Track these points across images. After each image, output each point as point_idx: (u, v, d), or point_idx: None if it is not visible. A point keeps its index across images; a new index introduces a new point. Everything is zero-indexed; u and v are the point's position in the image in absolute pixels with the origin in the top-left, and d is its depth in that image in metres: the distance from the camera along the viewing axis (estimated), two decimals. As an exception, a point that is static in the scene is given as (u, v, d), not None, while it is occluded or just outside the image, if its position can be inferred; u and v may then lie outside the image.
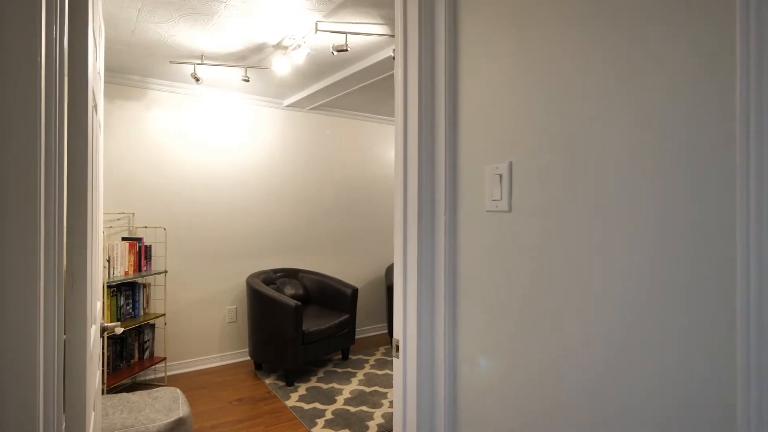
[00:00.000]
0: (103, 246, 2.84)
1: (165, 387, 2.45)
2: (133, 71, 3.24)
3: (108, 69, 3.19)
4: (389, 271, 4.42)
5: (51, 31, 0.65)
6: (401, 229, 1.36)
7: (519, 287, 1.08)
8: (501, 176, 1.12)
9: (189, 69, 3.07)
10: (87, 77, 0.98)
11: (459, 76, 1.25)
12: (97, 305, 1.48)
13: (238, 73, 3.14)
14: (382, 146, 4.76)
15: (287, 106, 4.08)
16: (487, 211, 1.16)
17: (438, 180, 1.29)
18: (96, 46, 1.26)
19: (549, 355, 1.00)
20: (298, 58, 2.59)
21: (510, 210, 1.11)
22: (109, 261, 2.93)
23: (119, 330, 1.66)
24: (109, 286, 2.94)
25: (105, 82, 3.25)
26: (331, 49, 2.48)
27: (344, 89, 3.51)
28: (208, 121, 3.70)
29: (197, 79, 2.92)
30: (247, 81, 2.92)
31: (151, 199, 3.43)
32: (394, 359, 1.40)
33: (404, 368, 1.34)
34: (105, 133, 3.26)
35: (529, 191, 1.06)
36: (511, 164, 1.11)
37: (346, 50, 2.34)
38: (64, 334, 0.89)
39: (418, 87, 1.29)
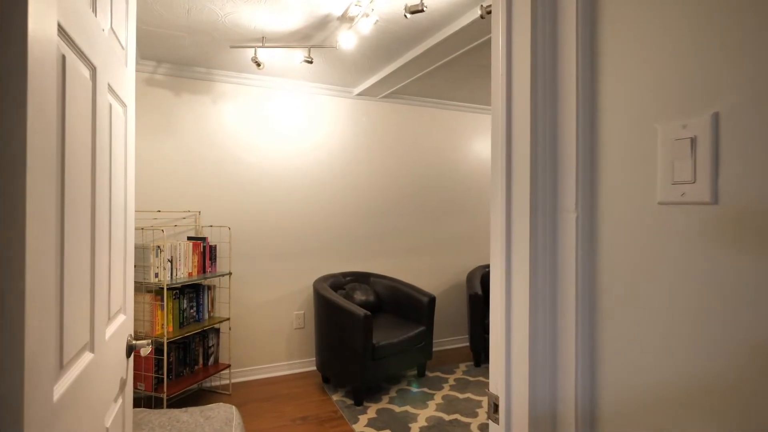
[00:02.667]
0: (161, 246, 2.68)
1: (221, 404, 2.19)
2: (197, 62, 3.08)
3: (173, 62, 3.06)
4: (471, 277, 3.92)
5: None
6: (502, 233, 0.90)
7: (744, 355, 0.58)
8: (694, 140, 0.63)
9: (251, 54, 2.83)
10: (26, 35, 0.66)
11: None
12: (116, 324, 1.19)
13: (301, 56, 2.84)
14: (463, 138, 4.26)
15: (357, 94, 3.74)
16: (661, 204, 0.67)
17: (563, 152, 0.82)
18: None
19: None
20: (364, 28, 2.21)
21: (715, 201, 0.61)
22: (171, 262, 2.78)
23: (146, 350, 1.38)
24: (170, 289, 2.79)
25: (171, 75, 3.13)
26: (403, 12, 2.06)
27: (419, 69, 3.08)
28: (274, 113, 3.48)
29: (258, 64, 2.66)
30: (311, 62, 2.61)
31: (217, 197, 3.27)
32: (491, 423, 0.95)
33: (509, 447, 0.89)
34: (171, 130, 3.14)
35: (760, 166, 0.56)
36: (716, 117, 0.61)
37: (422, 10, 1.91)
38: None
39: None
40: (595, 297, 0.77)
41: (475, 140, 4.32)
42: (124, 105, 1.26)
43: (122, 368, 1.30)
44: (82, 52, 0.86)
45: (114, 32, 1.16)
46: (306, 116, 3.59)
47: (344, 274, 3.65)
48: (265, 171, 3.44)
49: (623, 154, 0.72)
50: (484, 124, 4.37)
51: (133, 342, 1.38)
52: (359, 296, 3.47)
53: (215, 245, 3.12)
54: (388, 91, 3.64)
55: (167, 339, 2.62)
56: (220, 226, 3.24)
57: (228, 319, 3.10)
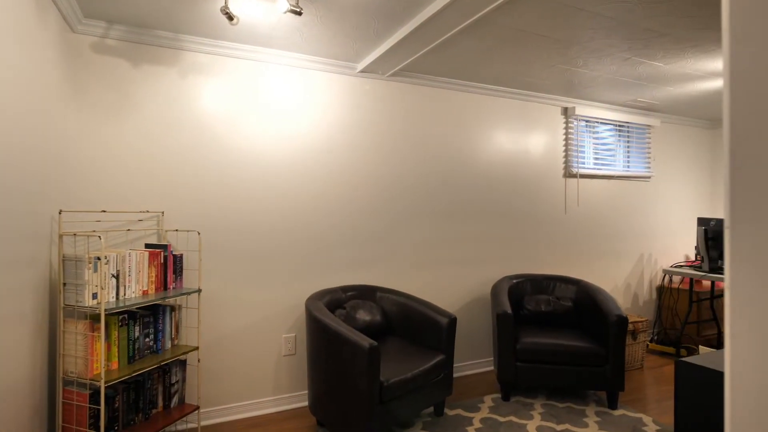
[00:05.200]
0: (103, 257, 2.03)
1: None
2: (160, 24, 2.44)
3: (129, 23, 2.41)
4: (497, 291, 3.26)
5: None
6: None
7: None
8: None
9: (221, 3, 2.18)
10: None
11: None
12: None
13: (285, 3, 2.18)
14: (489, 127, 3.60)
15: (361, 71, 3.09)
16: None
17: None
18: None
19: None
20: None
21: None
22: (117, 277, 2.12)
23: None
24: (116, 314, 2.13)
25: (126, 41, 2.49)
26: None
27: (437, 34, 2.43)
28: (259, 92, 2.83)
29: (231, 18, 2.01)
30: (299, 13, 1.95)
31: (185, 194, 2.62)
32: None
33: None
34: (126, 109, 2.50)
35: None
36: None
37: None
38: None
39: None
40: None
41: (504, 130, 3.67)
42: None
43: None
44: None
45: None
46: (299, 97, 2.94)
47: (345, 289, 2.99)
48: (247, 162, 2.79)
49: None
50: (514, 110, 3.71)
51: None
52: (363, 316, 2.82)
53: (181, 254, 2.47)
54: (399, 67, 2.99)
55: (106, 381, 1.97)
56: (188, 231, 2.59)
57: (197, 348, 2.44)
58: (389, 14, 2.30)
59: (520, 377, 2.92)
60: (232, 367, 2.74)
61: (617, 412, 2.83)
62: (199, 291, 2.43)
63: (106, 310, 1.97)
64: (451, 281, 3.49)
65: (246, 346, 2.79)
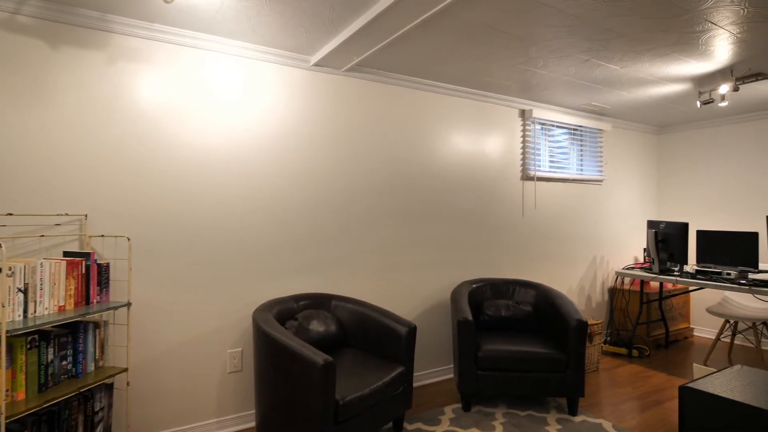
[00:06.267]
0: (6, 268, 1.71)
1: None
2: (86, 2, 2.13)
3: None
4: (457, 296, 3.15)
5: None
6: None
7: None
8: None
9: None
10: None
11: None
12: None
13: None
14: (450, 128, 3.50)
15: (315, 64, 2.89)
16: None
17: None
18: None
19: None
20: None
21: None
22: (25, 291, 1.81)
23: None
24: (23, 335, 1.81)
25: (44, 18, 2.16)
26: None
27: (398, 25, 2.28)
28: (201, 83, 2.57)
29: (164, -6, 1.77)
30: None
31: (112, 195, 2.32)
32: None
33: None
34: (43, 97, 2.17)
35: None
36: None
37: None
38: None
39: None
40: None
41: (463, 131, 3.58)
42: None
43: None
44: None
45: None
46: (247, 90, 2.70)
47: (297, 298, 2.78)
48: (187, 159, 2.52)
49: None
50: (473, 111, 3.63)
51: None
52: (316, 327, 2.61)
53: (107, 263, 2.17)
54: (355, 61, 2.82)
55: (8, 415, 1.65)
56: (116, 236, 2.28)
57: (126, 369, 2.15)
58: (345, 1, 2.13)
59: (481, 386, 2.81)
60: (169, 389, 2.46)
61: (578, 419, 2.79)
62: (128, 304, 2.14)
63: (9, 330, 1.66)
64: (409, 287, 3.35)
65: (186, 363, 2.51)
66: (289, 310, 2.67)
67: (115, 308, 2.09)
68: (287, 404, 2.14)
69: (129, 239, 2.16)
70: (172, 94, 2.47)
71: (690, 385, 1.06)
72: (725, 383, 1.03)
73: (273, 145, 2.79)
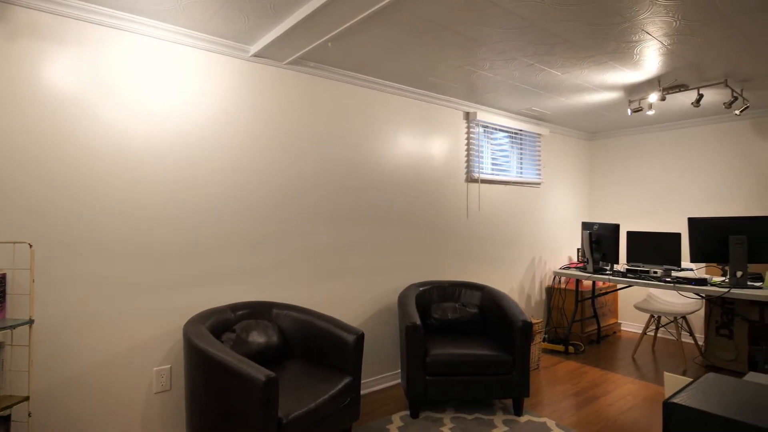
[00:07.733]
0: None
1: None
2: (-28, -37, 1.80)
3: None
4: (404, 300, 3.07)
5: None
6: None
7: None
8: None
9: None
10: None
11: None
12: None
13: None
14: (396, 128, 3.42)
15: (254, 55, 2.69)
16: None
17: None
18: None
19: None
20: None
21: None
22: None
23: None
24: None
25: None
26: None
27: (344, 18, 2.15)
28: (123, 68, 2.28)
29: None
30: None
31: (10, 194, 1.99)
32: None
33: None
34: None
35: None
36: None
37: None
38: None
39: None
40: None
41: (409, 132, 3.51)
42: None
43: None
44: None
45: None
46: (176, 79, 2.44)
47: (234, 307, 2.56)
48: (104, 153, 2.22)
49: None
50: (418, 112, 3.57)
51: None
52: (256, 339, 2.41)
53: (4, 274, 1.84)
54: (299, 54, 2.65)
55: None
56: (15, 242, 1.95)
57: (27, 398, 1.84)
58: (289, -14, 1.97)
59: (429, 392, 2.75)
60: (81, 418, 2.15)
61: (523, 419, 2.81)
62: (30, 322, 1.84)
63: None
64: (355, 291, 3.23)
65: (103, 386, 2.21)
66: (225, 321, 2.44)
67: (13, 327, 1.78)
68: (224, 425, 1.94)
69: (31, 246, 1.85)
70: (89, 80, 2.17)
71: (676, 400, 1.03)
72: (711, 396, 1.01)
73: (207, 141, 2.55)
